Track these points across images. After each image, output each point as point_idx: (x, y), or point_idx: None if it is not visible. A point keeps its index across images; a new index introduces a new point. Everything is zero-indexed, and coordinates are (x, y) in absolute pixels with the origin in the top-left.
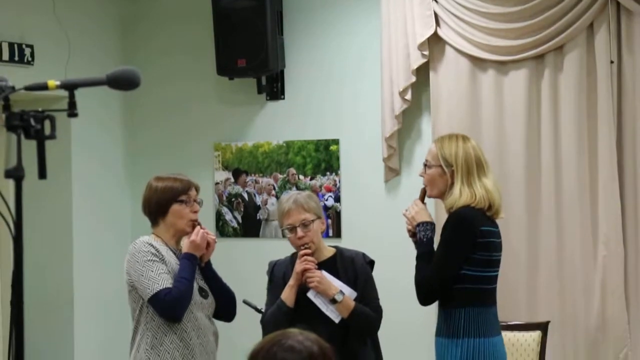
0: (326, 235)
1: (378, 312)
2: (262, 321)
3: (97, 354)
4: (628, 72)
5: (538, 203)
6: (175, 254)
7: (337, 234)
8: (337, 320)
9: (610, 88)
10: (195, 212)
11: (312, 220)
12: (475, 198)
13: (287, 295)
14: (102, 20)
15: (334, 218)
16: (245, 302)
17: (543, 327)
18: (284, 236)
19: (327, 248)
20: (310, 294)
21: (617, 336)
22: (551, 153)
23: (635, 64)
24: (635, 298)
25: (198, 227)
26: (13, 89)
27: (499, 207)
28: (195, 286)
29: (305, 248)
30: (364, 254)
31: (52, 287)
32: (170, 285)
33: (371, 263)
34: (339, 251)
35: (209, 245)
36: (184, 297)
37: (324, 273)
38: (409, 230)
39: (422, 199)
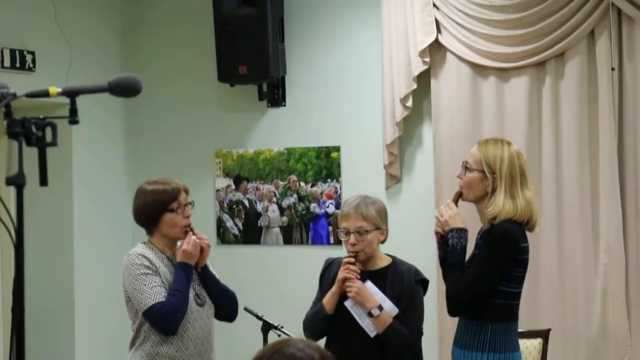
0: (326, 242)
1: (415, 334)
2: (304, 320)
3: (98, 359)
4: (629, 79)
5: (539, 210)
6: (171, 261)
7: (338, 241)
8: (372, 335)
9: (611, 95)
10: (188, 217)
11: (368, 231)
12: (517, 211)
13: (328, 300)
14: (103, 26)
15: (335, 225)
16: (246, 309)
17: (544, 334)
18: (286, 243)
19: (384, 257)
20: (348, 304)
21: (618, 343)
22: (552, 160)
23: (636, 71)
24: (637, 305)
25: (190, 233)
26: (14, 96)
27: (536, 221)
28: (192, 294)
29: (351, 256)
30: (416, 271)
31: (53, 293)
32: (163, 299)
33: (423, 282)
34: (394, 263)
35: (203, 251)
36: (177, 310)
37: (368, 284)
38: (437, 233)
39: (456, 201)
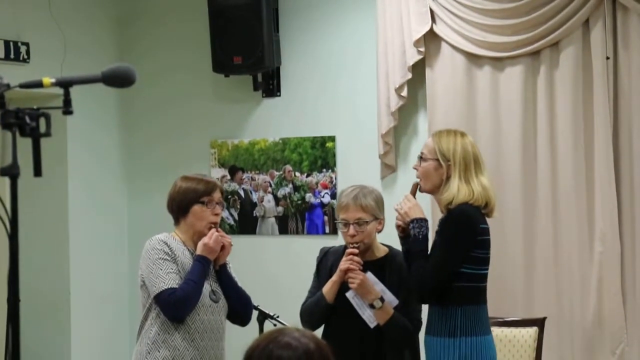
0: (322, 231)
1: (415, 324)
2: (301, 308)
3: (94, 351)
4: (624, 68)
5: (534, 199)
6: (192, 254)
7: (334, 230)
8: (372, 326)
9: (606, 84)
10: (217, 214)
11: (367, 222)
12: (474, 195)
13: (328, 290)
14: (97, 17)
15: (330, 215)
16: None
17: (540, 323)
18: (281, 233)
19: (380, 248)
20: (349, 294)
21: (614, 332)
22: (547, 149)
23: (631, 60)
24: (632, 294)
25: (213, 229)
26: (8, 86)
27: (494, 206)
28: (207, 289)
29: (354, 247)
30: None
31: (48, 285)
32: (176, 286)
33: None
34: (391, 254)
35: (224, 249)
36: (188, 299)
37: (369, 275)
38: (398, 226)
39: (413, 193)
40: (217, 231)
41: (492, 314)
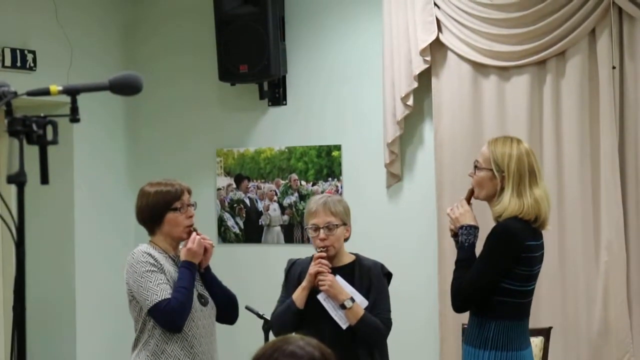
0: None
1: (386, 324)
2: (270, 318)
3: (99, 357)
4: (630, 78)
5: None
6: (174, 260)
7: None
8: (344, 327)
9: (612, 93)
10: (190, 217)
11: (337, 225)
12: (524, 209)
13: (298, 296)
14: (104, 25)
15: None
16: (247, 308)
17: (545, 332)
18: (287, 241)
19: (347, 254)
20: (321, 297)
21: (620, 341)
22: (553, 158)
23: (637, 70)
24: (638, 303)
25: (194, 233)
26: (15, 94)
27: (545, 219)
28: (195, 293)
29: (322, 251)
30: (382, 265)
31: (54, 292)
32: (169, 296)
33: (388, 275)
34: (358, 259)
35: (206, 251)
36: (183, 307)
37: (338, 278)
38: (451, 230)
39: (468, 199)
40: (198, 234)
41: None
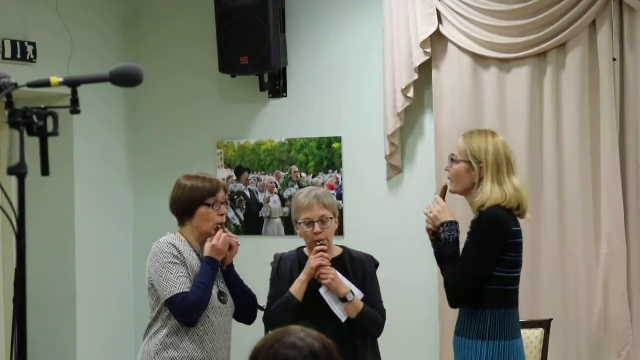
0: None
1: (383, 315)
2: (267, 313)
3: (100, 349)
4: (630, 70)
5: (540, 200)
6: (199, 255)
7: (340, 231)
8: (343, 320)
9: (613, 86)
10: (222, 214)
11: (330, 218)
12: (506, 197)
13: (298, 289)
14: (104, 17)
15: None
16: None
17: (546, 325)
18: (287, 233)
19: (336, 247)
20: (322, 291)
21: (620, 334)
22: (554, 150)
23: (637, 62)
24: (638, 296)
25: (220, 231)
26: (16, 85)
27: (526, 208)
28: (215, 290)
29: (321, 244)
30: (372, 257)
31: (54, 284)
32: (187, 290)
33: (376, 266)
34: (347, 251)
35: (231, 249)
36: (200, 303)
37: (337, 272)
38: (429, 230)
39: (443, 196)
40: (224, 232)
41: None
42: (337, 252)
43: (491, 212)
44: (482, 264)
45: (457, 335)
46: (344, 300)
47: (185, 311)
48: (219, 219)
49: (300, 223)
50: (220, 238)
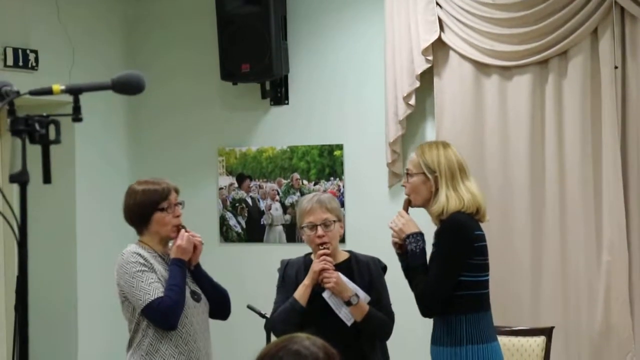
0: None
1: (391, 317)
2: (271, 318)
3: (101, 357)
4: (632, 78)
5: (542, 208)
6: (164, 259)
7: (342, 239)
8: (349, 323)
9: (615, 93)
10: (178, 216)
11: (334, 222)
12: (464, 203)
13: (301, 294)
14: (106, 24)
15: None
16: (249, 307)
17: (547, 332)
18: (289, 241)
19: (342, 252)
20: (326, 294)
21: (622, 341)
22: (555, 158)
23: (639, 69)
24: None
25: (183, 230)
26: (18, 93)
27: (484, 211)
28: (187, 290)
29: (324, 248)
30: (379, 260)
31: (56, 291)
32: (162, 294)
33: (384, 269)
34: (353, 255)
35: (196, 248)
36: (177, 305)
37: (340, 275)
38: (394, 243)
39: (406, 209)
40: (187, 231)
41: (500, 323)
42: (344, 256)
43: (453, 218)
44: (451, 270)
45: (433, 344)
46: (348, 303)
47: (163, 316)
48: (176, 221)
49: (303, 227)
50: (184, 237)
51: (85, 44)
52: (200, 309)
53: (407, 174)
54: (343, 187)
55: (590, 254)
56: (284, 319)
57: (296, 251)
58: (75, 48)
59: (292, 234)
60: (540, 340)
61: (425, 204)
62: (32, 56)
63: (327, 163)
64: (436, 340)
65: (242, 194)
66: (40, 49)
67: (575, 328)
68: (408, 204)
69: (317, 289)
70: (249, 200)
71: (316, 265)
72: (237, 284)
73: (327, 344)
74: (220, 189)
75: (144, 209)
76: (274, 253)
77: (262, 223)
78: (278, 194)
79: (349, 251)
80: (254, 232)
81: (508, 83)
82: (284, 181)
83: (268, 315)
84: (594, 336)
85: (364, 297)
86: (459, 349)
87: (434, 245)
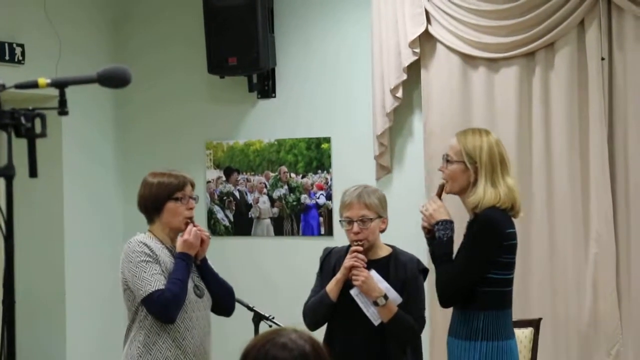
0: (317, 233)
1: (420, 322)
2: (304, 306)
3: (89, 351)
4: (619, 69)
5: (529, 200)
6: (171, 251)
7: (329, 232)
8: (376, 323)
9: (601, 85)
10: (191, 209)
11: (371, 219)
12: (500, 198)
13: (332, 288)
14: (93, 18)
15: (325, 216)
16: (237, 300)
17: (535, 324)
18: (277, 234)
19: (384, 247)
20: (353, 292)
21: (609, 332)
22: (542, 150)
23: (626, 61)
24: (627, 294)
25: (191, 225)
26: (3, 87)
27: (519, 207)
28: (191, 285)
29: (358, 244)
30: (418, 260)
31: (43, 285)
32: (163, 287)
33: (424, 271)
34: (395, 253)
35: (203, 243)
36: (177, 299)
37: (373, 273)
38: (424, 227)
39: (439, 195)
40: (195, 225)
41: None
42: (385, 251)
43: (486, 215)
44: (474, 265)
45: (450, 336)
46: (375, 303)
47: (162, 308)
48: (188, 213)
49: (341, 220)
50: (192, 232)
51: (72, 38)
52: (202, 305)
53: (447, 160)
54: (331, 180)
55: (577, 245)
56: (314, 311)
57: (283, 244)
58: (62, 41)
59: (279, 227)
60: (528, 331)
61: (462, 193)
62: (18, 50)
63: (314, 156)
64: (453, 332)
65: (229, 187)
66: (27, 43)
67: (563, 320)
68: (442, 189)
69: (349, 283)
70: (237, 194)
71: (347, 262)
72: (225, 277)
73: (314, 338)
74: (208, 182)
75: (158, 197)
76: (262, 246)
77: (249, 216)
78: (266, 187)
79: (392, 247)
80: (242, 225)
81: (495, 75)
82: (272, 174)
83: (256, 308)
84: (581, 328)
85: (394, 297)
86: (475, 344)
87: (465, 236)
